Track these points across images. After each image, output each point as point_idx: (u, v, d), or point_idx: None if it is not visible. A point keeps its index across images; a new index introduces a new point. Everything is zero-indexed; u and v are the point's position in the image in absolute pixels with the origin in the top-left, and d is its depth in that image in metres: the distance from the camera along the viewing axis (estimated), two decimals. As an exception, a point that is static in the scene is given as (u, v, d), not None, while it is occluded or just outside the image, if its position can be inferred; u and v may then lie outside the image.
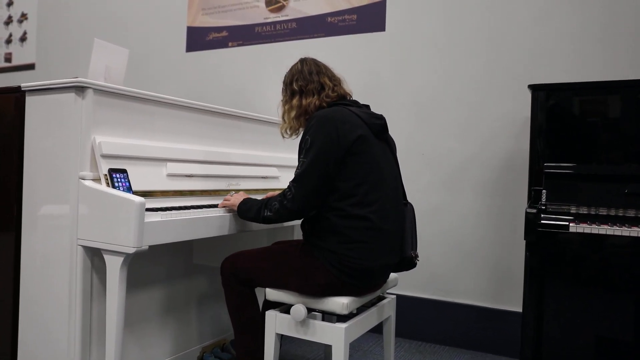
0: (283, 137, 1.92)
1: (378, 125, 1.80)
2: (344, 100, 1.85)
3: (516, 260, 2.56)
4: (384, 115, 1.88)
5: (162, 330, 2.04)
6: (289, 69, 1.93)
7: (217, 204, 1.95)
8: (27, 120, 1.81)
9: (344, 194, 1.68)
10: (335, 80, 1.88)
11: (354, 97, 1.95)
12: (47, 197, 1.74)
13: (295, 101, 1.84)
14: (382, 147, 1.82)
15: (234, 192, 2.01)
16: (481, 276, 2.69)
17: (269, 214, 1.74)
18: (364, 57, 3.00)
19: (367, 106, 1.90)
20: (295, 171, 1.71)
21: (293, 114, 1.84)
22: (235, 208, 1.87)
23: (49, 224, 1.74)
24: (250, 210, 1.81)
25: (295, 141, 1.87)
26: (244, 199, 1.86)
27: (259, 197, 1.94)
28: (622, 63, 2.39)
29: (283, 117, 1.90)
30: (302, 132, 1.87)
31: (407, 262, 1.87)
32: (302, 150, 1.71)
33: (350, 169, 1.68)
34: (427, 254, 2.77)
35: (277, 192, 2.12)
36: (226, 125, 2.30)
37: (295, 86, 1.85)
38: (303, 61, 1.91)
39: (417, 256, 1.90)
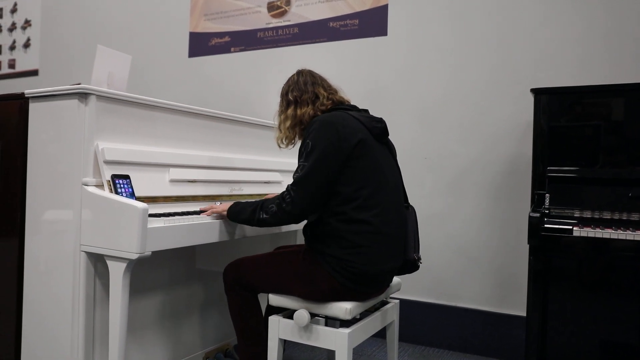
0: (279, 146, 1.92)
1: (378, 128, 1.80)
2: (342, 105, 1.85)
3: (520, 264, 2.55)
4: (386, 120, 1.89)
5: (165, 335, 2.04)
6: (286, 81, 1.94)
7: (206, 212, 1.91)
8: (30, 126, 1.82)
9: (345, 198, 1.68)
10: (331, 90, 1.89)
11: (355, 102, 1.95)
12: (51, 203, 1.75)
13: (290, 111, 1.85)
14: (382, 151, 1.82)
15: (219, 202, 1.99)
16: (485, 280, 2.68)
17: (264, 216, 1.72)
18: (366, 62, 3.01)
19: (366, 110, 1.90)
20: (294, 174, 1.71)
21: (288, 123, 1.85)
22: (225, 213, 1.85)
23: (52, 229, 1.74)
24: (242, 212, 1.79)
25: (298, 147, 1.88)
26: (235, 202, 1.85)
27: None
28: (627, 67, 2.39)
29: (279, 127, 1.90)
30: (297, 142, 1.88)
31: (410, 265, 1.87)
32: (303, 154, 1.70)
33: (352, 172, 1.68)
34: (430, 258, 2.76)
35: (272, 195, 2.11)
36: (229, 131, 2.31)
37: (290, 97, 1.86)
38: (299, 73, 1.92)
39: (419, 259, 1.90)
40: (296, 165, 1.72)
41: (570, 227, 1.89)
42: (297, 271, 1.76)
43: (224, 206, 1.88)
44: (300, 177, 1.67)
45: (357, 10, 3.05)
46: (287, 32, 3.29)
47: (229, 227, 1.92)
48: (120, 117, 1.79)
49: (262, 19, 3.38)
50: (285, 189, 1.71)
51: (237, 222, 1.87)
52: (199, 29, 3.63)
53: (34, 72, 4.51)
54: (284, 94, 1.90)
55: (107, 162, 1.68)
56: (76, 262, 1.68)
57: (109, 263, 1.61)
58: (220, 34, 3.54)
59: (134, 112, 1.84)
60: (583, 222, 1.95)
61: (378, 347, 2.70)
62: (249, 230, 2.02)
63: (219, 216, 1.89)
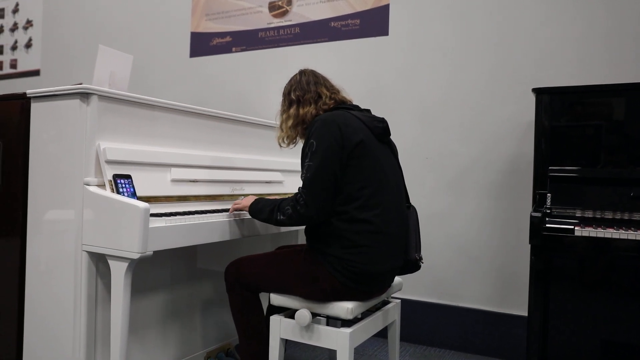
0: (280, 146, 1.92)
1: (380, 128, 1.80)
2: (344, 105, 1.85)
3: (521, 264, 2.55)
4: (388, 119, 1.89)
5: (167, 335, 2.04)
6: (288, 80, 1.94)
7: (221, 209, 1.96)
8: (32, 126, 1.82)
9: (347, 198, 1.68)
10: (334, 90, 1.89)
11: (356, 101, 1.95)
12: (52, 202, 1.75)
13: (292, 110, 1.86)
14: (384, 150, 1.82)
15: (242, 196, 2.01)
16: (486, 280, 2.68)
17: (282, 217, 1.73)
18: (368, 62, 3.01)
19: (368, 110, 1.90)
20: (302, 176, 1.70)
21: (290, 123, 1.86)
22: (247, 209, 1.87)
23: (54, 229, 1.74)
24: (262, 211, 1.80)
25: (299, 146, 1.88)
26: (256, 199, 1.87)
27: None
28: (628, 66, 2.39)
29: (281, 127, 1.91)
30: (298, 142, 1.88)
31: (412, 264, 1.87)
32: (307, 154, 1.70)
33: (353, 172, 1.68)
34: (432, 258, 2.76)
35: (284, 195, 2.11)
36: (230, 130, 2.31)
37: (293, 96, 1.87)
38: (302, 72, 1.92)
39: (421, 258, 1.90)
40: (297, 165, 1.72)
41: (572, 226, 1.89)
42: (298, 271, 1.76)
43: (246, 201, 1.90)
44: (309, 179, 1.67)
45: (359, 10, 3.05)
46: (289, 32, 3.29)
47: (230, 226, 1.92)
48: (121, 117, 1.79)
49: (264, 19, 3.38)
50: (297, 191, 1.71)
51: (257, 220, 1.89)
52: (200, 29, 3.63)
53: (36, 72, 4.51)
54: (287, 94, 1.91)
55: (109, 162, 1.68)
56: (78, 261, 1.69)
57: (111, 263, 1.61)
58: (222, 34, 3.54)
59: (136, 112, 1.85)
60: (584, 222, 1.95)
61: (379, 347, 2.70)
62: (250, 229, 2.02)
63: (233, 214, 1.94)
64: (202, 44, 3.62)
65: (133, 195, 1.67)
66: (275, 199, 1.79)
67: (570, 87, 2.22)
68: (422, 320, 2.79)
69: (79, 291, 1.69)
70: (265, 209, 1.79)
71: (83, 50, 4.19)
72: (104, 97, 1.72)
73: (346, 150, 1.67)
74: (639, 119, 2.08)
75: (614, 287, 2.14)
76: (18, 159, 1.85)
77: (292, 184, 2.54)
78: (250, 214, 1.86)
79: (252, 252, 2.34)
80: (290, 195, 1.75)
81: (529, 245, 1.99)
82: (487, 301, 2.67)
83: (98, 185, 1.67)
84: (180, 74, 3.72)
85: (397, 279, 2.00)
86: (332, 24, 3.13)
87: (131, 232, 1.54)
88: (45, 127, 1.79)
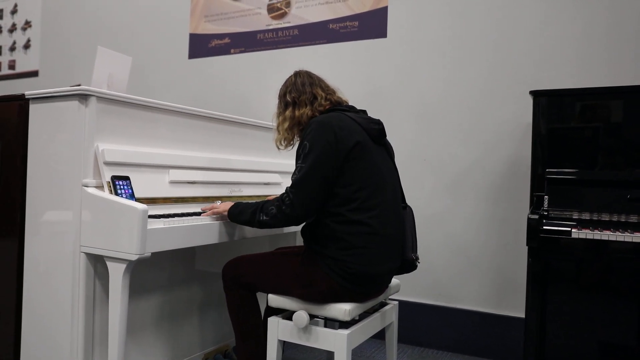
0: (278, 148, 1.93)
1: (376, 130, 1.81)
2: (339, 106, 1.86)
3: (519, 265, 2.56)
4: (386, 121, 1.89)
5: (164, 336, 2.04)
6: (283, 83, 1.94)
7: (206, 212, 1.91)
8: (30, 127, 1.82)
9: (343, 200, 1.68)
10: (329, 91, 1.89)
11: (354, 103, 1.96)
12: (51, 204, 1.75)
13: (288, 112, 1.86)
14: (380, 152, 1.83)
15: (219, 202, 1.98)
16: (484, 282, 2.68)
17: (264, 218, 1.72)
18: (366, 64, 3.01)
19: (364, 111, 1.90)
20: (292, 176, 1.71)
21: (286, 125, 1.85)
22: (226, 213, 1.86)
23: (52, 230, 1.74)
24: (243, 213, 1.79)
25: (295, 149, 1.88)
26: (235, 203, 1.85)
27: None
28: (626, 68, 2.40)
29: (277, 129, 1.91)
30: (296, 143, 1.88)
31: (408, 264, 1.87)
32: (300, 155, 1.71)
33: (349, 174, 1.69)
34: (429, 259, 2.76)
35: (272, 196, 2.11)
36: (228, 132, 2.31)
37: (288, 98, 1.87)
38: (297, 74, 1.93)
39: (417, 258, 1.90)
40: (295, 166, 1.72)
41: (569, 228, 1.90)
42: (295, 272, 1.76)
43: (224, 206, 1.88)
44: (298, 179, 1.67)
45: (357, 12, 3.06)
46: (287, 34, 3.29)
47: (229, 228, 1.92)
48: (120, 119, 1.79)
49: (262, 21, 3.39)
50: (284, 191, 1.71)
51: (237, 223, 1.87)
52: (199, 31, 3.63)
53: (34, 73, 4.51)
54: (282, 96, 1.91)
55: (107, 164, 1.68)
56: (76, 263, 1.69)
57: (109, 264, 1.61)
58: (220, 36, 3.55)
59: (134, 114, 1.85)
60: (582, 224, 1.96)
61: (377, 349, 2.70)
62: (248, 231, 2.02)
63: (220, 216, 1.89)
64: (201, 46, 3.62)
65: (131, 196, 1.68)
66: (257, 202, 1.78)
67: (568, 90, 2.23)
68: (419, 321, 2.79)
69: (77, 292, 1.69)
70: (247, 210, 1.77)
71: (82, 51, 4.19)
72: (103, 99, 1.72)
73: (342, 153, 1.67)
74: (637, 121, 2.09)
75: (611, 289, 2.15)
76: (16, 160, 1.85)
77: (290, 186, 2.54)
78: (230, 218, 1.84)
79: (250, 253, 2.34)
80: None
81: (527, 247, 1.99)
82: (484, 303, 2.68)
83: (96, 187, 1.68)
84: (179, 76, 3.72)
85: (394, 280, 2.00)
86: (331, 25, 3.14)
87: (129, 234, 1.54)
88: (43, 128, 1.79)
